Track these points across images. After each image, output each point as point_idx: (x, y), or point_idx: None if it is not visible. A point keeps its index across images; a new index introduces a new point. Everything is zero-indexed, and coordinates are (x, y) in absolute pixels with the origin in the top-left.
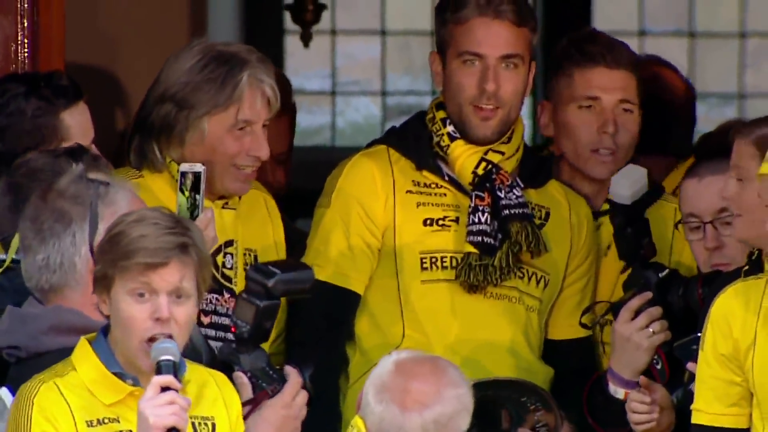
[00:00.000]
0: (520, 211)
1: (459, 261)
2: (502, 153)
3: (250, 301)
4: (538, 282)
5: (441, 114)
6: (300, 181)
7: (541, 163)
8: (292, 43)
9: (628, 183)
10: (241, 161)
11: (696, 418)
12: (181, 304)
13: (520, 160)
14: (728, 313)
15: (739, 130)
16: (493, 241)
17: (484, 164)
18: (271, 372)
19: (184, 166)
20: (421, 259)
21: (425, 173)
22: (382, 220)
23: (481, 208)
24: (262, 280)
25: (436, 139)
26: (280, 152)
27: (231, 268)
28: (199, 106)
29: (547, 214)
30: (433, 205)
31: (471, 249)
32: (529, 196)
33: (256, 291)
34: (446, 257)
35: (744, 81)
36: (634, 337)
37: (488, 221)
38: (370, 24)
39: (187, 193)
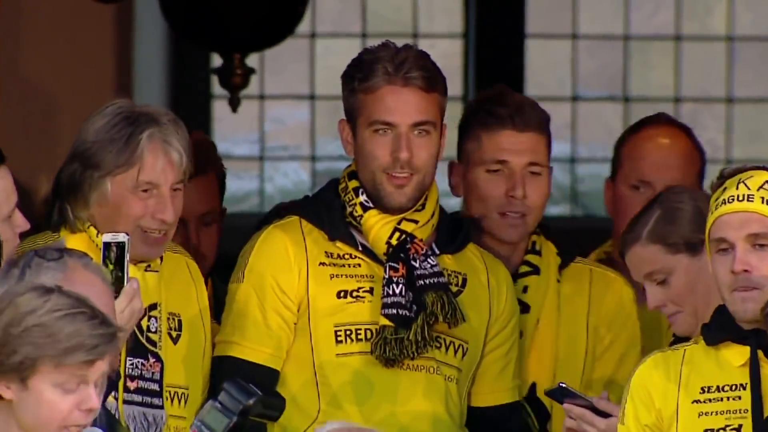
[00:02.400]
0: (436, 280)
1: (374, 333)
2: (416, 222)
3: (224, 413)
4: (456, 351)
5: (353, 183)
6: (228, 247)
7: (458, 226)
8: (219, 107)
9: None
10: (146, 224)
11: None
12: (99, 390)
13: (435, 225)
14: (649, 383)
15: (623, 243)
16: (408, 313)
17: (397, 234)
18: None
19: (107, 237)
20: (336, 331)
21: (338, 244)
22: (296, 294)
23: (395, 279)
24: (241, 398)
25: (349, 209)
26: (203, 213)
27: (155, 332)
28: (102, 165)
29: (464, 281)
30: (346, 276)
31: (386, 322)
32: (445, 263)
33: (230, 405)
34: (360, 329)
35: None
36: None
37: (403, 293)
38: (299, 88)
39: (111, 266)
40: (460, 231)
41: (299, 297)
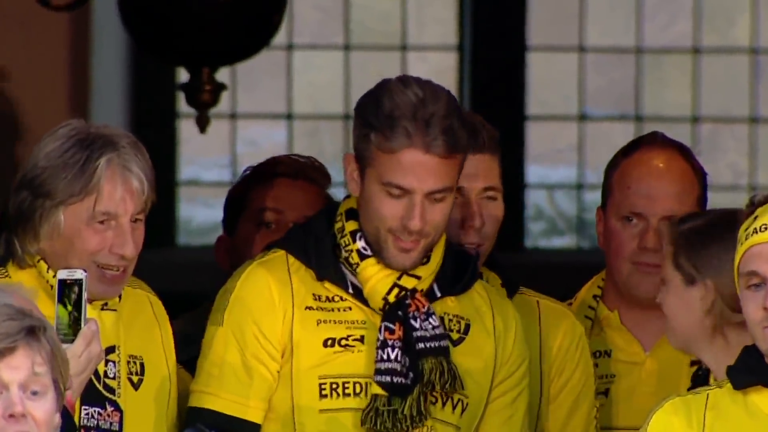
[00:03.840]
0: (436, 344)
1: (363, 387)
2: (419, 277)
3: None
4: (454, 407)
5: (351, 225)
6: (193, 284)
7: (463, 265)
8: (186, 128)
9: None
10: (103, 259)
11: None
12: (37, 399)
13: (439, 265)
14: (668, 429)
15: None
16: (404, 380)
17: (396, 290)
18: None
19: (62, 273)
20: (320, 384)
21: (327, 284)
22: (279, 340)
23: (390, 342)
24: None
25: (344, 254)
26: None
27: (113, 378)
28: (54, 194)
29: (467, 327)
30: (335, 322)
31: (378, 390)
32: (447, 306)
33: None
34: (348, 383)
35: None
36: None
37: (398, 357)
38: (275, 106)
39: (69, 307)
40: (467, 269)
41: (283, 343)
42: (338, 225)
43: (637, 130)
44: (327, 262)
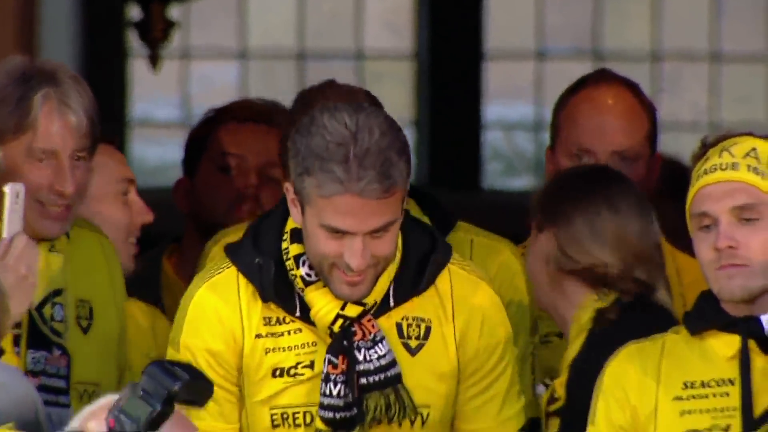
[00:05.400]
0: (381, 377)
1: (313, 416)
2: (364, 305)
3: (146, 401)
4: (412, 423)
5: (296, 249)
6: (155, 222)
7: (423, 261)
8: (138, 66)
9: None
10: (43, 197)
11: None
12: None
13: (394, 276)
14: (623, 378)
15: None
16: (348, 414)
17: (340, 321)
18: None
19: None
20: (272, 415)
21: (273, 306)
22: (233, 365)
23: (333, 377)
24: (166, 382)
25: (290, 277)
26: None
27: (61, 321)
28: None
29: (428, 330)
30: (283, 349)
31: (321, 426)
32: (407, 309)
33: (154, 391)
34: (299, 413)
35: (659, 109)
36: None
37: (342, 393)
38: (229, 44)
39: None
40: (426, 265)
41: (237, 366)
42: (284, 244)
43: (596, 67)
44: (275, 282)
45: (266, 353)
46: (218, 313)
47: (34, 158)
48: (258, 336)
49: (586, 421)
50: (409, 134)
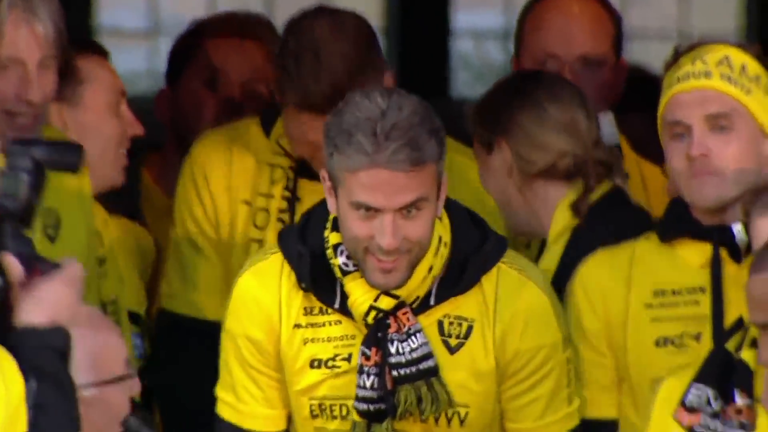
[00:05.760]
0: (414, 369)
1: (349, 409)
2: (397, 297)
3: (17, 175)
4: (449, 421)
5: (335, 238)
6: None
7: (466, 259)
8: None
9: None
10: (10, 106)
11: None
12: None
13: (440, 274)
14: (593, 284)
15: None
16: (382, 406)
17: (374, 313)
18: (40, 259)
19: None
20: (311, 405)
21: (313, 297)
22: (274, 353)
23: (366, 369)
24: (26, 150)
25: (331, 266)
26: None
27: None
28: None
29: (469, 329)
30: (322, 340)
31: (356, 417)
32: (449, 308)
33: (21, 164)
34: (335, 405)
35: (628, 19)
36: None
37: (375, 385)
38: None
39: None
40: (470, 263)
41: (276, 354)
42: (326, 233)
43: None
44: (316, 273)
45: (305, 344)
46: (258, 300)
47: (0, 67)
48: (297, 326)
49: None
50: (379, 42)
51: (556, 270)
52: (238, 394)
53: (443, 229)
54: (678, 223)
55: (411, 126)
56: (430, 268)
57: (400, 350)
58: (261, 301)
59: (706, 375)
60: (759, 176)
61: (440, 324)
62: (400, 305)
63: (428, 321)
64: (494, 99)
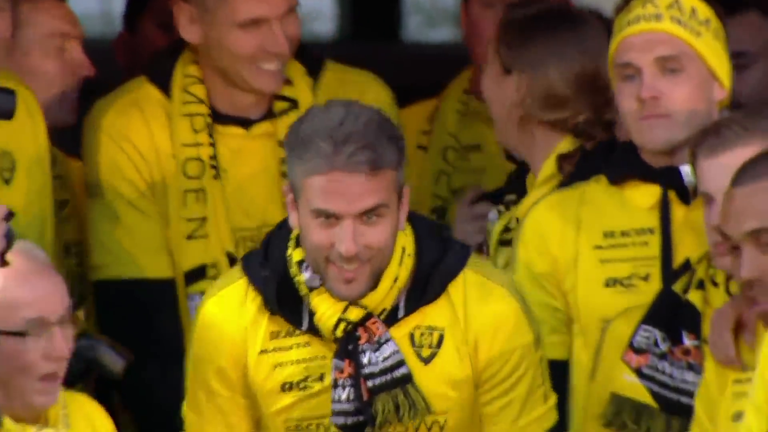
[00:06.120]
0: (389, 377)
1: (326, 427)
2: (365, 307)
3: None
4: (429, 429)
5: (298, 254)
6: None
7: (430, 269)
8: None
9: None
10: None
11: None
12: None
13: (405, 285)
14: (543, 226)
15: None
16: (361, 418)
17: (343, 325)
18: None
19: None
20: (287, 427)
21: (280, 319)
22: (240, 381)
23: (340, 382)
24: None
25: (295, 285)
26: None
27: None
28: None
29: (441, 338)
30: (291, 363)
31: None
32: (420, 319)
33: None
34: (312, 425)
35: None
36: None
37: (351, 397)
38: None
39: None
40: (435, 273)
41: (243, 380)
42: (289, 251)
43: None
44: (282, 294)
45: (274, 368)
46: (221, 329)
47: None
48: (263, 351)
49: None
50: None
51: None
52: (203, 415)
53: (406, 240)
54: (627, 165)
55: (369, 131)
56: (395, 279)
57: (373, 360)
58: (224, 330)
59: (654, 317)
60: (709, 119)
61: (411, 336)
62: (369, 316)
63: (399, 334)
64: (531, 29)
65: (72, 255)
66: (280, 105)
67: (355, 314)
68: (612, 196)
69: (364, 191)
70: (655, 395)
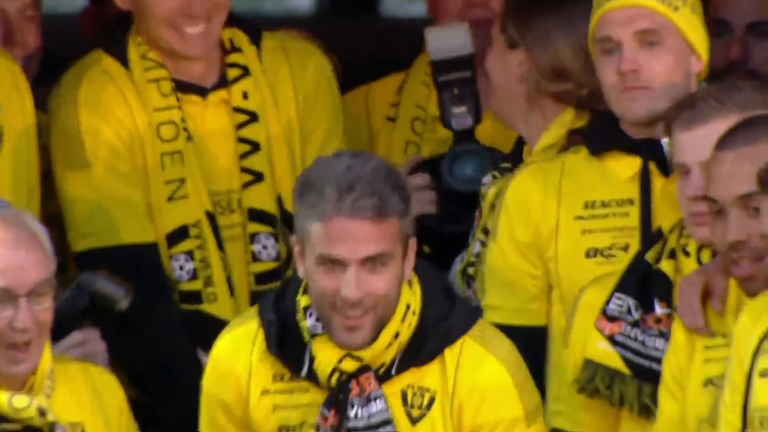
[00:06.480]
0: None
1: None
2: (360, 359)
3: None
4: None
5: (304, 301)
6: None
7: (429, 330)
8: None
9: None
10: None
11: (490, 316)
12: None
13: (406, 343)
14: (525, 196)
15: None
16: None
17: (337, 375)
18: None
19: None
20: None
21: (282, 364)
22: (243, 417)
23: (323, 430)
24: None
25: (300, 330)
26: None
27: None
28: None
29: (431, 401)
30: (291, 408)
31: None
32: (413, 379)
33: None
34: None
35: None
36: None
37: None
38: None
39: None
40: (434, 335)
41: (246, 417)
42: (298, 297)
43: None
44: (286, 339)
45: (274, 410)
46: (228, 366)
47: None
48: (265, 392)
49: None
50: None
51: None
52: None
53: (413, 298)
54: (608, 136)
55: (375, 179)
56: (397, 335)
57: (359, 415)
58: (231, 367)
59: (626, 285)
60: (687, 91)
61: (404, 394)
62: (364, 369)
63: (392, 390)
64: (538, 4)
65: (56, 227)
66: (233, 72)
67: (350, 365)
68: (592, 167)
69: (368, 237)
70: (628, 362)
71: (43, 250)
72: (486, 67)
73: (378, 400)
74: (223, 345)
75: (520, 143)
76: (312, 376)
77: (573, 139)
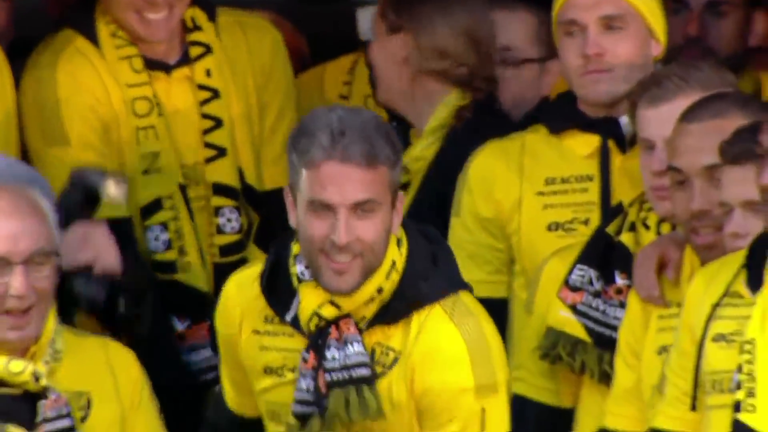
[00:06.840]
0: (347, 375)
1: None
2: (338, 307)
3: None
4: None
5: (296, 248)
6: (23, 29)
7: (404, 291)
8: None
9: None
10: None
11: None
12: None
13: (386, 300)
14: (488, 173)
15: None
16: (317, 410)
17: (315, 320)
18: None
19: None
20: (266, 408)
21: (270, 309)
22: (238, 353)
23: (304, 372)
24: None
25: (290, 276)
26: None
27: None
28: None
29: (395, 361)
30: (276, 350)
31: (290, 420)
32: (382, 336)
33: None
34: (283, 410)
35: None
36: None
37: (311, 387)
38: None
39: None
40: (407, 295)
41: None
42: (292, 243)
43: None
44: (278, 284)
45: (260, 350)
46: (229, 302)
47: None
48: (255, 332)
49: (434, 206)
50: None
51: (432, 164)
52: (223, 376)
53: (398, 256)
54: (567, 116)
55: (366, 127)
56: (380, 290)
57: (336, 356)
58: (230, 304)
59: (588, 256)
60: (645, 73)
61: (372, 351)
62: (343, 317)
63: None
64: None
65: None
66: (195, 50)
67: (328, 312)
68: (551, 145)
69: (358, 183)
70: (589, 330)
71: (43, 221)
72: (370, 56)
73: (356, 344)
74: (229, 284)
75: (405, 129)
76: (296, 323)
77: (460, 115)
